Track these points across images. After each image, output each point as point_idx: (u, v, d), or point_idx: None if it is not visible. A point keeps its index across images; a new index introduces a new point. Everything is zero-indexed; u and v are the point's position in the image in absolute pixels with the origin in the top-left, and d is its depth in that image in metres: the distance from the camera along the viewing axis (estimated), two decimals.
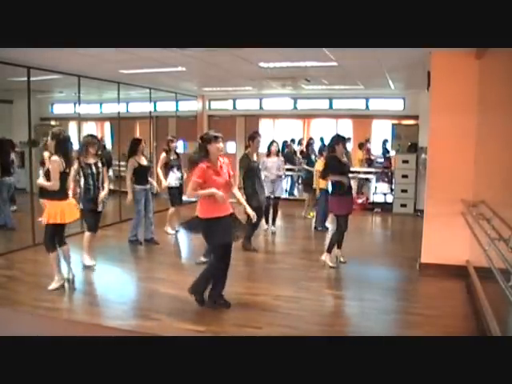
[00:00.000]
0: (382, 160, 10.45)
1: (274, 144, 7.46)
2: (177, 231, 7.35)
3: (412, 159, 9.24)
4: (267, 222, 7.38)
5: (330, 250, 5.54)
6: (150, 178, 6.83)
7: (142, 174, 6.40)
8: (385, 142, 10.45)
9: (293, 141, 11.06)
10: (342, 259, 5.65)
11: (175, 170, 7.09)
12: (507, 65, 3.50)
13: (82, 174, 5.27)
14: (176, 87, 9.71)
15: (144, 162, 6.49)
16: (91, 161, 5.31)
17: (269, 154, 7.36)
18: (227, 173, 4.19)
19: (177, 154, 7.29)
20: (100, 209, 5.40)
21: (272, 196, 7.27)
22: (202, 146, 4.11)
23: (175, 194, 7.13)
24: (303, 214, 8.72)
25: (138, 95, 9.94)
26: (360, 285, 5.03)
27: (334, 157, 5.50)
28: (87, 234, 5.47)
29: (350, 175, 5.88)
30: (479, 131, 4.88)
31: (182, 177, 7.15)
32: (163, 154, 7.13)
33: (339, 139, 5.59)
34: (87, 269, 5.44)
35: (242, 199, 4.59)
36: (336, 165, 5.45)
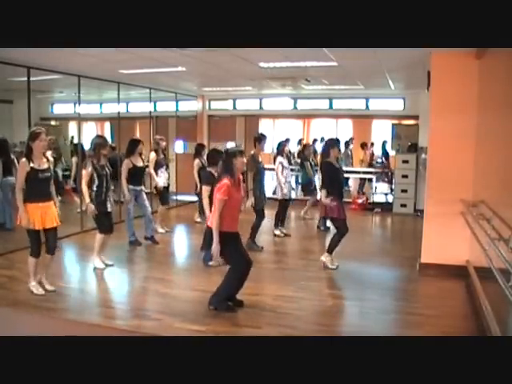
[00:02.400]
0: (381, 160, 10.45)
1: (287, 144, 7.54)
2: (167, 231, 7.42)
3: (412, 159, 9.23)
4: (283, 224, 7.27)
5: (330, 251, 5.52)
6: (159, 174, 6.98)
7: (135, 175, 6.41)
8: (384, 143, 10.45)
9: (287, 140, 11.05)
10: (330, 265, 5.50)
11: (163, 169, 7.14)
12: (507, 65, 3.50)
13: (95, 176, 5.21)
14: (176, 87, 9.70)
15: (139, 163, 6.51)
16: (103, 162, 5.32)
17: (282, 154, 7.36)
18: (242, 188, 4.24)
19: (164, 153, 7.33)
20: (110, 209, 5.41)
21: (290, 197, 7.28)
22: (226, 161, 4.08)
23: (164, 193, 7.19)
24: (302, 214, 8.71)
25: (138, 95, 9.94)
26: (360, 285, 5.03)
27: (328, 163, 5.48)
28: (100, 236, 5.42)
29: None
30: (479, 131, 4.88)
31: (169, 177, 7.27)
32: (153, 154, 7.13)
33: (333, 143, 5.60)
34: (98, 270, 5.42)
35: None
36: (331, 172, 5.45)
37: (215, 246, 3.95)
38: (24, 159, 4.33)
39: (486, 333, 3.51)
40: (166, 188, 7.28)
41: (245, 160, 4.15)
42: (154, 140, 7.29)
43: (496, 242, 3.08)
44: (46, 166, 4.43)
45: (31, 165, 4.31)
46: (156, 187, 7.11)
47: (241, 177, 4.20)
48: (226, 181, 3.98)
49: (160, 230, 7.33)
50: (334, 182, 5.46)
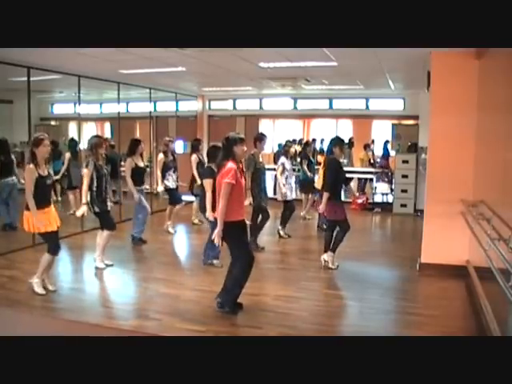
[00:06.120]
0: (380, 160, 10.46)
1: (292, 145, 7.49)
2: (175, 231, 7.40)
3: (412, 159, 9.23)
4: (284, 226, 7.23)
5: (334, 250, 5.52)
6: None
7: (137, 175, 6.42)
8: (386, 142, 10.46)
9: (294, 141, 11.07)
10: (331, 265, 5.50)
11: (171, 172, 7.11)
12: (507, 65, 3.50)
13: (95, 176, 5.20)
14: (176, 87, 9.71)
15: (141, 163, 6.53)
16: (101, 161, 5.35)
17: (287, 155, 7.37)
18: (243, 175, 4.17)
19: (173, 155, 7.30)
20: (109, 208, 5.43)
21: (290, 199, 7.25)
22: (227, 147, 4.01)
23: (174, 193, 7.17)
24: (302, 214, 8.67)
25: (138, 95, 9.94)
26: (360, 285, 5.03)
27: (335, 159, 5.46)
28: (107, 233, 5.42)
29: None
30: (479, 131, 4.88)
31: (177, 178, 7.22)
32: (161, 155, 7.12)
33: (339, 142, 5.56)
34: (98, 270, 5.43)
35: None
36: (336, 168, 5.43)
37: (218, 231, 3.86)
38: (32, 165, 4.36)
39: (486, 333, 3.50)
40: (175, 189, 7.22)
41: (245, 148, 4.08)
42: (163, 141, 7.24)
43: (496, 241, 3.08)
44: (47, 172, 4.51)
45: (38, 171, 4.37)
46: (158, 191, 7.12)
47: (241, 165, 4.13)
48: (231, 164, 3.89)
49: (171, 230, 7.33)
50: (338, 179, 5.44)
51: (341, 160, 5.64)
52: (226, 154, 4.00)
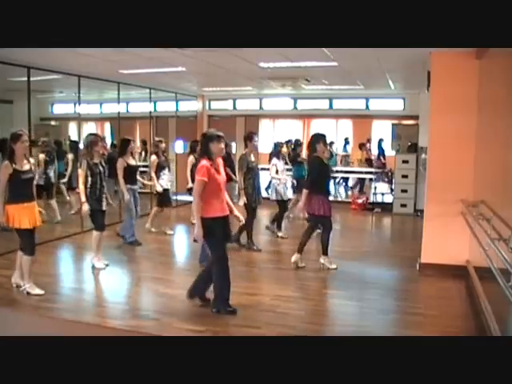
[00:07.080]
0: (376, 159, 10.46)
1: (284, 145, 7.48)
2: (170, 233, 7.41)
3: (412, 159, 9.23)
4: (279, 226, 7.24)
5: (326, 252, 5.52)
6: (146, 178, 6.94)
7: (130, 174, 6.41)
8: (380, 141, 10.46)
9: (289, 141, 11.06)
10: (329, 265, 5.47)
11: (166, 171, 7.15)
12: (507, 65, 3.50)
13: (89, 174, 5.21)
14: (176, 87, 9.70)
15: (132, 162, 6.52)
16: (97, 160, 5.33)
17: (278, 156, 7.37)
18: (224, 173, 4.16)
19: (164, 155, 7.35)
20: (104, 208, 5.42)
21: (286, 199, 7.25)
22: (203, 143, 4.02)
23: (167, 195, 7.22)
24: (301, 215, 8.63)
25: (138, 95, 9.93)
26: (359, 285, 5.03)
27: (317, 157, 5.43)
28: (96, 233, 5.43)
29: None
30: (479, 131, 4.88)
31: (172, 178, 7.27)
32: (153, 157, 7.16)
33: (319, 137, 5.50)
34: (97, 270, 5.42)
35: (230, 202, 4.33)
36: (318, 167, 5.39)
37: (198, 231, 3.90)
38: (7, 162, 4.36)
39: (486, 333, 3.50)
40: (168, 190, 7.26)
41: (223, 146, 4.06)
42: (154, 142, 7.31)
43: (496, 242, 3.08)
44: (27, 167, 4.47)
45: (14, 166, 4.35)
46: (157, 191, 7.14)
47: (221, 161, 4.11)
48: (204, 162, 3.91)
49: (169, 231, 7.36)
50: (322, 177, 5.40)
51: (326, 154, 5.60)
52: (203, 150, 4.02)
